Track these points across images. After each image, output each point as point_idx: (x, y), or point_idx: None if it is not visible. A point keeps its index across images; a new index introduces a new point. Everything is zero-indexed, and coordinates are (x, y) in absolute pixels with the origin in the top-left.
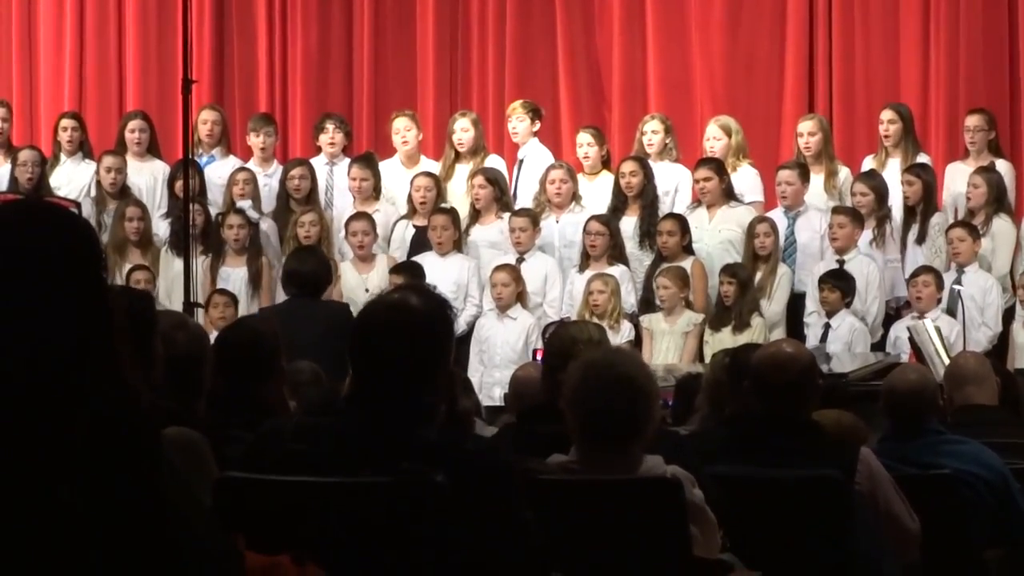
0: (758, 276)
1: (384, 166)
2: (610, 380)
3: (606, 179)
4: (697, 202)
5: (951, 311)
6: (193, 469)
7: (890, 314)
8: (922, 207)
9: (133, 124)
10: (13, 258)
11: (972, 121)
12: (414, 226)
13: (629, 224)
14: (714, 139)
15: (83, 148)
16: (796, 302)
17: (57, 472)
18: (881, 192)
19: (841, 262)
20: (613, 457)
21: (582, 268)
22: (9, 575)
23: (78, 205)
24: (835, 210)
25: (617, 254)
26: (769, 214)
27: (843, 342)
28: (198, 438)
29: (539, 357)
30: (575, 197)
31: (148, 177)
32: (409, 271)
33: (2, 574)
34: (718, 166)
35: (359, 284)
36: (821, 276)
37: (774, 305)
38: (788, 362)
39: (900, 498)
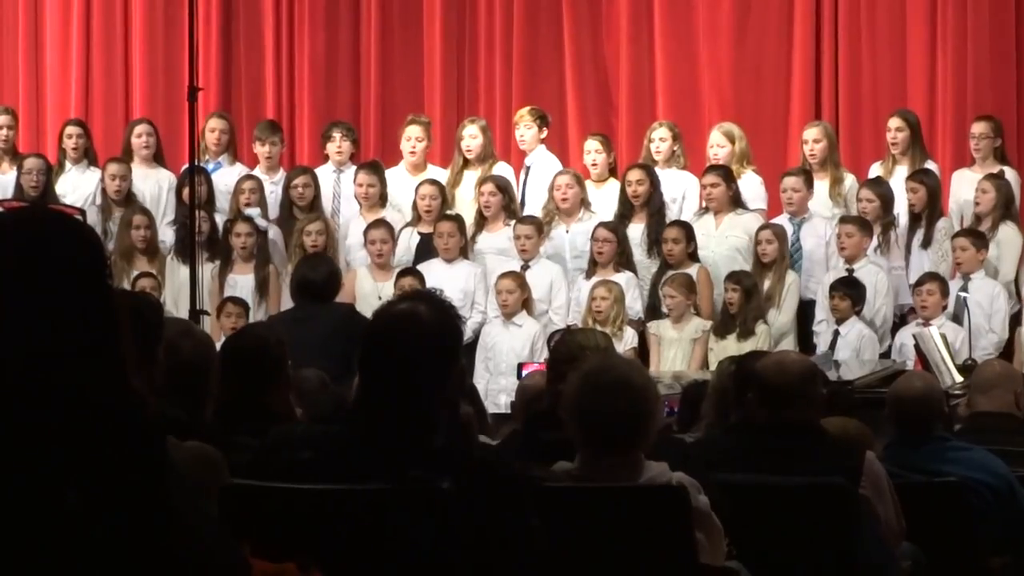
0: (766, 284)
1: (390, 173)
2: (607, 384)
3: (613, 186)
4: (704, 209)
5: (957, 318)
6: (209, 483)
7: (895, 321)
8: (927, 213)
9: (139, 130)
10: (18, 266)
11: (978, 128)
12: (419, 233)
13: (636, 232)
14: (717, 146)
15: (88, 155)
16: (802, 309)
17: (63, 477)
18: (886, 199)
19: (851, 270)
20: (615, 462)
21: (589, 275)
22: None
23: (83, 213)
24: (843, 219)
25: (624, 261)
26: (774, 221)
27: (852, 349)
28: (215, 453)
29: (525, 371)
30: (584, 204)
31: (153, 184)
32: (413, 277)
33: None
34: (726, 173)
35: (373, 292)
36: (831, 284)
37: (783, 315)
38: (790, 368)
39: (893, 499)
